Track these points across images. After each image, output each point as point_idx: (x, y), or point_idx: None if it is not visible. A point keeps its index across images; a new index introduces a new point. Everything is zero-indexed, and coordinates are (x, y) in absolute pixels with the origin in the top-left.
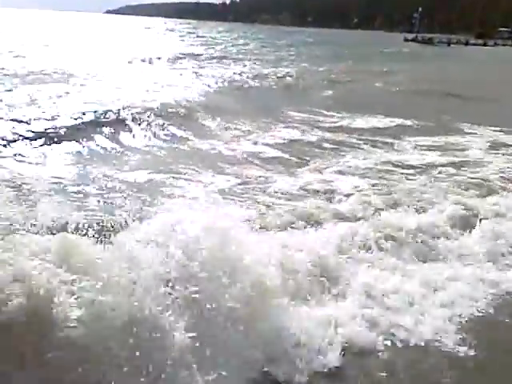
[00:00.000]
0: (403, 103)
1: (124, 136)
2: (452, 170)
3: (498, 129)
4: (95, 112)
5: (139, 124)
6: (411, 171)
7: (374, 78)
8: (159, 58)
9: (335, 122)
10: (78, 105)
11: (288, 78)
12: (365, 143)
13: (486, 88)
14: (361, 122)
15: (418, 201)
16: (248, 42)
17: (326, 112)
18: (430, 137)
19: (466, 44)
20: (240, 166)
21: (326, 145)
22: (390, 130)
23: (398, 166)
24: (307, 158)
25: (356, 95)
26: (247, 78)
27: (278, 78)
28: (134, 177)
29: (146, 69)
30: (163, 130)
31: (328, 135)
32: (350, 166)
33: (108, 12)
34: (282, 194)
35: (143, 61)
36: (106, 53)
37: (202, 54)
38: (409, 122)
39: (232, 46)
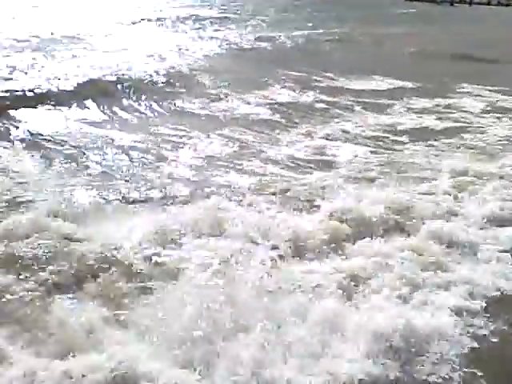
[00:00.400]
0: (405, 65)
1: (117, 101)
2: (451, 135)
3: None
4: (89, 79)
5: (126, 91)
6: (409, 137)
7: (377, 39)
8: (160, 20)
9: (333, 84)
10: (78, 69)
11: (288, 40)
12: (362, 106)
13: (493, 48)
14: (359, 84)
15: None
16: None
17: (324, 73)
18: (429, 99)
19: (470, 4)
20: (231, 128)
21: (320, 106)
22: (389, 92)
23: (393, 131)
24: (298, 121)
25: (357, 58)
26: (248, 40)
27: (278, 40)
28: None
29: (145, 32)
30: (153, 93)
31: (324, 97)
32: (347, 132)
33: None
34: (273, 161)
35: (141, 22)
36: (98, 15)
37: (202, 16)
38: (410, 85)
39: (234, 6)
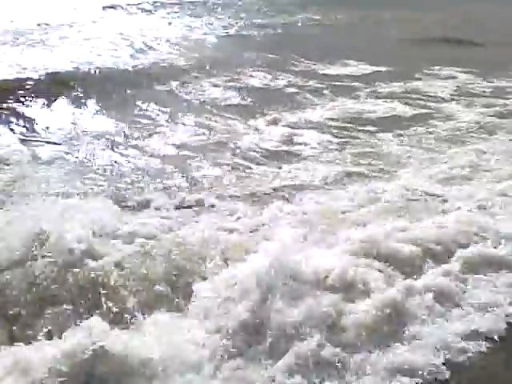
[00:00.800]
0: (386, 51)
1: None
2: (422, 122)
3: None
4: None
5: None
6: (379, 126)
7: (371, 24)
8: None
9: (308, 68)
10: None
11: (270, 26)
12: (333, 91)
13: (489, 32)
14: (334, 69)
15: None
16: None
17: (301, 59)
18: (401, 83)
19: None
20: (199, 113)
21: (291, 91)
22: (365, 77)
23: (364, 118)
24: (269, 106)
25: (336, 43)
26: (228, 26)
27: (260, 24)
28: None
29: (118, 19)
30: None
31: (298, 81)
32: (315, 119)
33: None
34: (242, 151)
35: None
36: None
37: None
38: (384, 69)
39: None
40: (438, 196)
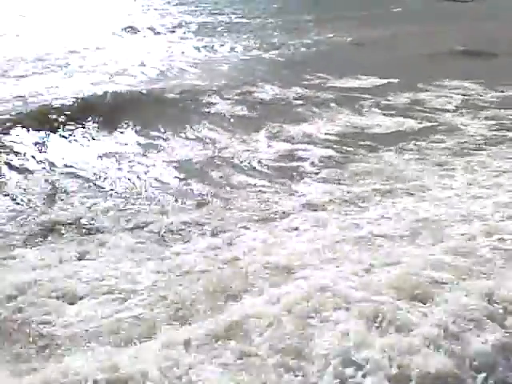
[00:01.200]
0: (400, 65)
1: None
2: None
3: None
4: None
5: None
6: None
7: (383, 40)
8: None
9: (319, 81)
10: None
11: (291, 45)
12: (340, 103)
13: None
14: (345, 82)
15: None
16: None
17: (315, 73)
18: (411, 95)
19: None
20: (204, 126)
21: (298, 103)
22: (374, 89)
23: (365, 133)
24: (273, 119)
25: (356, 59)
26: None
27: (276, 44)
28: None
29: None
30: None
31: (306, 93)
32: (316, 133)
33: None
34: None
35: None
36: (100, 23)
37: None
38: (394, 81)
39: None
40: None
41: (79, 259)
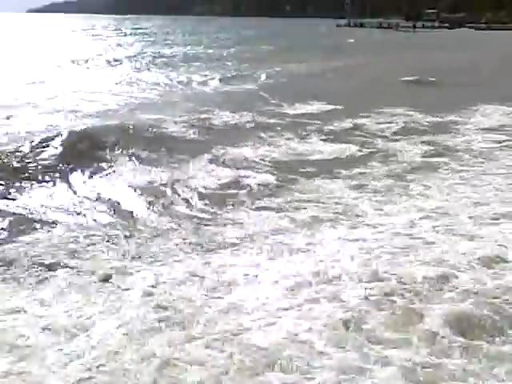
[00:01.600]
0: (349, 92)
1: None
2: (364, 164)
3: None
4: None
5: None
6: (323, 167)
7: (341, 70)
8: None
9: (274, 108)
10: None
11: (238, 77)
12: (286, 128)
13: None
14: (296, 108)
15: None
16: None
17: (273, 101)
18: (353, 120)
19: (397, 27)
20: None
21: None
22: (321, 115)
23: (307, 160)
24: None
25: (314, 87)
26: (183, 81)
27: (222, 77)
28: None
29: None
30: None
31: (255, 119)
32: (257, 158)
33: (30, 11)
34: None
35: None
36: (51, 55)
37: (137, 55)
38: (340, 107)
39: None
40: None
41: None
